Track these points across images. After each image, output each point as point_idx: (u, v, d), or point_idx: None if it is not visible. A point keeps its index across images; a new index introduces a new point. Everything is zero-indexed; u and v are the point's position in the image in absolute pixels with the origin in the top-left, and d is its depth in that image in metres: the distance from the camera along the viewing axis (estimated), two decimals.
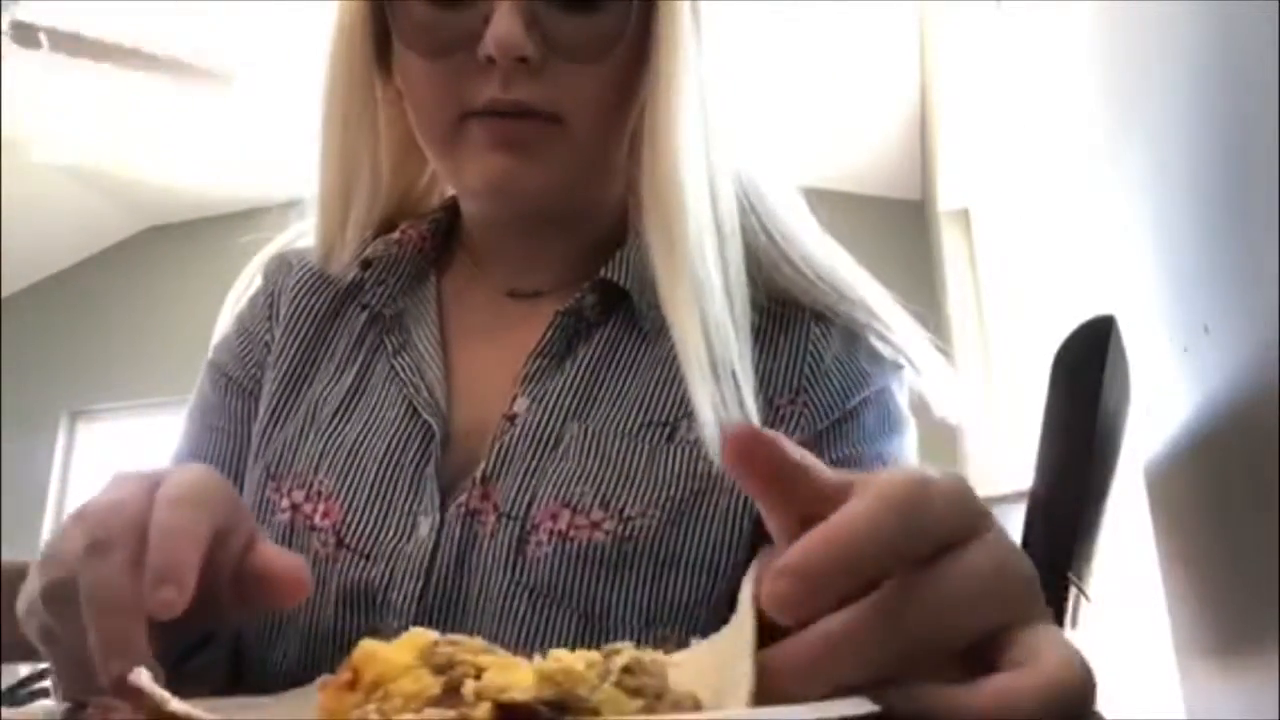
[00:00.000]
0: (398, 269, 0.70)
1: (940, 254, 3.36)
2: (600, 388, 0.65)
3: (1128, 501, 0.80)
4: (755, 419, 0.61)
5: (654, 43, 0.62)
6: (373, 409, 0.66)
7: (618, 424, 0.63)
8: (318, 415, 0.67)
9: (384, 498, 0.63)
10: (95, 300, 4.97)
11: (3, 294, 4.95)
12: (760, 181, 0.69)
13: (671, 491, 0.60)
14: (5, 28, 2.82)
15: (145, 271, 4.92)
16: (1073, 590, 0.49)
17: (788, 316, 0.67)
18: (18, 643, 0.47)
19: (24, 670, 2.24)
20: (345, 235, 0.69)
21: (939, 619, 0.31)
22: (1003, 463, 2.42)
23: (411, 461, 0.63)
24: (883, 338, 0.68)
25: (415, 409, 0.65)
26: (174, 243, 4.89)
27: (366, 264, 0.70)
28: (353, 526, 0.62)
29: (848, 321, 0.67)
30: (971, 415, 0.71)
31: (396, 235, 0.71)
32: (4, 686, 2.20)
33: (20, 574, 0.44)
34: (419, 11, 0.61)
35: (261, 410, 0.69)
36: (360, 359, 0.69)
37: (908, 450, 0.68)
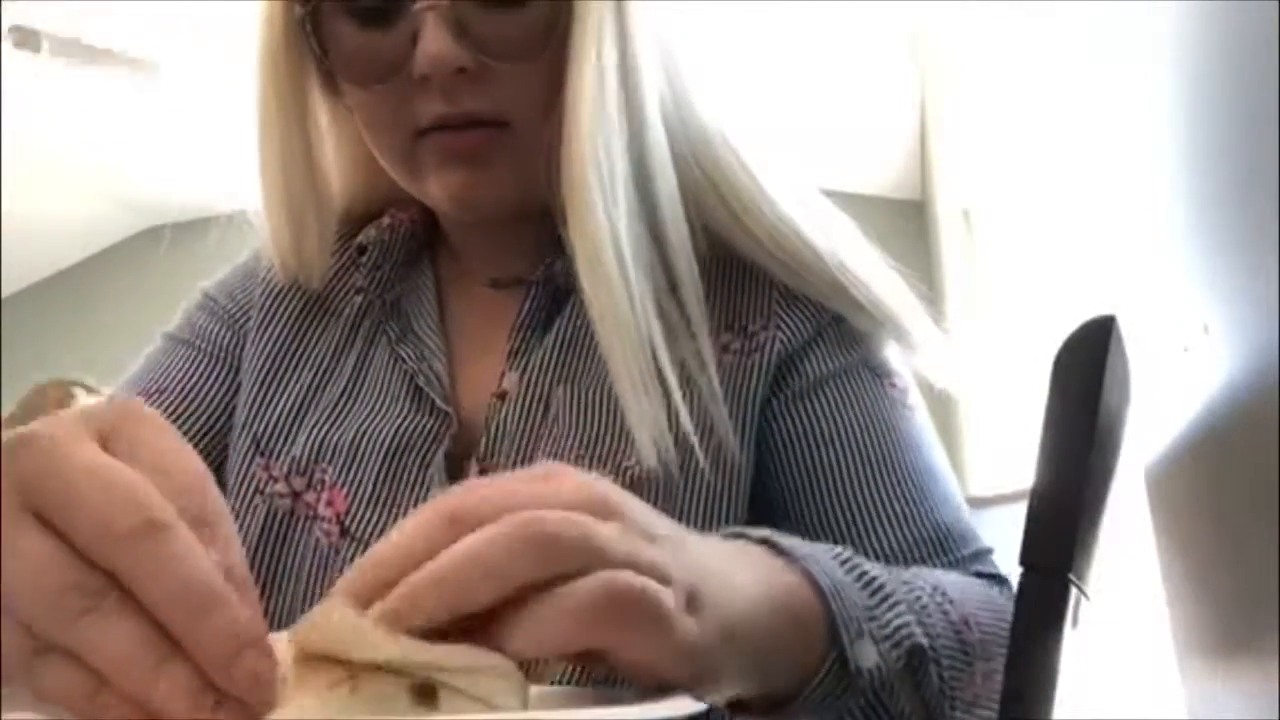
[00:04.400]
0: (393, 253, 0.70)
1: (940, 254, 3.36)
2: (581, 350, 0.65)
3: (1128, 501, 0.80)
4: (691, 435, 0.59)
5: (572, 21, 0.60)
6: (377, 398, 0.66)
7: (602, 382, 0.63)
8: (316, 403, 0.67)
9: (391, 487, 0.63)
10: (95, 300, 4.96)
11: (2, 294, 4.95)
12: (717, 146, 0.66)
13: None
14: (5, 31, 2.82)
15: (145, 271, 4.91)
16: (1073, 590, 0.49)
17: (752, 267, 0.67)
18: None
19: None
20: (304, 258, 0.68)
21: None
22: (1003, 462, 2.42)
23: (418, 451, 0.63)
24: (864, 306, 0.67)
25: (420, 398, 0.65)
26: (174, 243, 4.88)
27: (362, 250, 0.70)
28: (358, 516, 0.62)
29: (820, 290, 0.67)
30: (962, 382, 0.71)
31: (387, 220, 0.71)
32: None
33: None
34: (346, 39, 0.60)
35: (245, 375, 0.69)
36: (358, 346, 0.69)
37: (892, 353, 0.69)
